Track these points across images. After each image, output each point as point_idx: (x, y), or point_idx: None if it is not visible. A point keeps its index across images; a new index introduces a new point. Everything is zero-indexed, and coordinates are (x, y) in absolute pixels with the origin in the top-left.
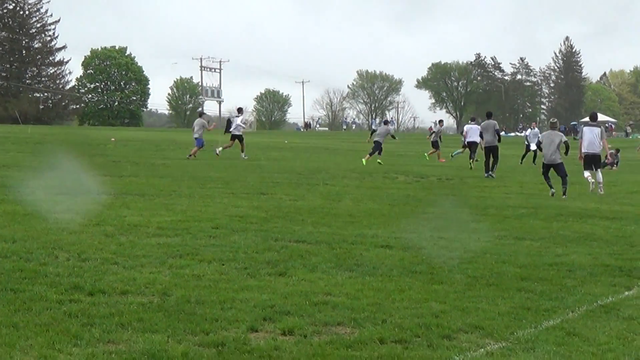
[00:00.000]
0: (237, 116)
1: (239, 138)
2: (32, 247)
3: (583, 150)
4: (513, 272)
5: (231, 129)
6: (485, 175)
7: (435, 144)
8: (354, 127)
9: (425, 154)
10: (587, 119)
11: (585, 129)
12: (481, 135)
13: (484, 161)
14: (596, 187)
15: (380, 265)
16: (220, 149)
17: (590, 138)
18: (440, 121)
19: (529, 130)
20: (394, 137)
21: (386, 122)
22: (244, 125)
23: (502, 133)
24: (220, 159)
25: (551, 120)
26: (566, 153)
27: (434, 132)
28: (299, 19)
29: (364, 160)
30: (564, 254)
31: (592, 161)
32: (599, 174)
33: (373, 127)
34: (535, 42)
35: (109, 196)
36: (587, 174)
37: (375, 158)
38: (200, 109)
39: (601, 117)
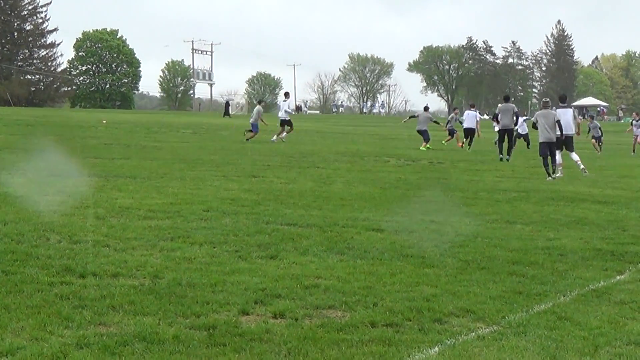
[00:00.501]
0: (285, 101)
1: (288, 123)
2: (24, 229)
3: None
4: (504, 256)
5: (279, 115)
6: (500, 158)
7: (451, 132)
8: (341, 110)
9: (443, 141)
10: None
11: (559, 111)
12: (496, 119)
13: (498, 144)
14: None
15: (372, 249)
16: (276, 137)
17: (566, 120)
18: (455, 109)
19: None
20: (437, 122)
21: (426, 109)
22: (291, 111)
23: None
24: (211, 141)
25: (544, 99)
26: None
27: (448, 120)
28: (291, 1)
29: (422, 147)
30: (556, 238)
31: (566, 142)
32: (574, 155)
33: (412, 113)
34: (527, 26)
35: (100, 178)
36: (558, 157)
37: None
38: (260, 98)
39: (593, 100)
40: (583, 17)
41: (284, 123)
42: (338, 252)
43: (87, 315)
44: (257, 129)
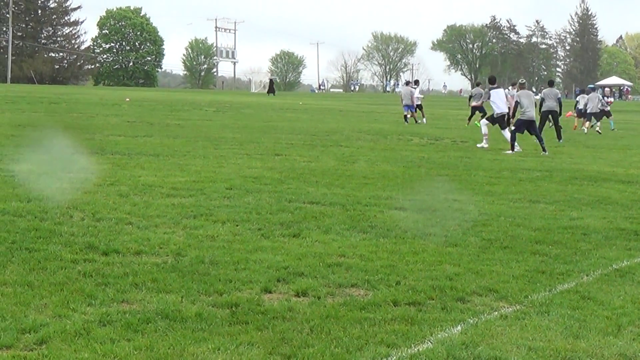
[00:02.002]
0: (415, 88)
1: (419, 107)
2: (47, 206)
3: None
4: (527, 235)
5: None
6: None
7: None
8: (356, 88)
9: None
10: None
11: (492, 92)
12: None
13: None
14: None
15: (394, 227)
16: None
17: (500, 99)
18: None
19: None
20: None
21: (478, 84)
22: (421, 96)
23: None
24: (234, 119)
25: (520, 81)
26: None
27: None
28: None
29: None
30: (579, 217)
31: (499, 120)
32: (506, 132)
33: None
34: (551, 5)
35: (123, 156)
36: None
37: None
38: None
39: (617, 80)
40: None
41: (418, 107)
42: (361, 231)
43: (110, 292)
44: (413, 108)
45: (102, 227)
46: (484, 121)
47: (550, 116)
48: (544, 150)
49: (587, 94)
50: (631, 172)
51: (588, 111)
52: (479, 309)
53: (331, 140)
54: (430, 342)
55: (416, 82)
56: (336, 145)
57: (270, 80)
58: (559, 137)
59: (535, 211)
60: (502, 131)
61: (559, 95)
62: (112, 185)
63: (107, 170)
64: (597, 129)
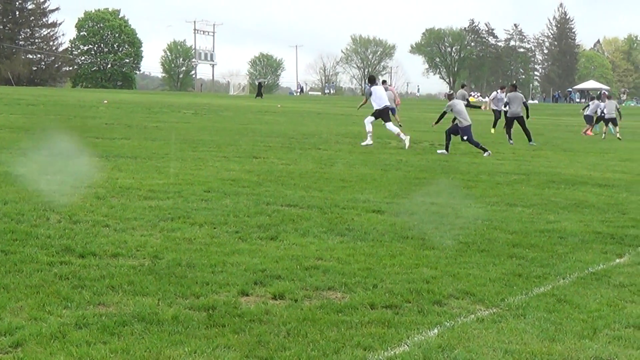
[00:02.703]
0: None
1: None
2: (24, 208)
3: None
4: (504, 238)
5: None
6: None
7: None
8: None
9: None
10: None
11: (373, 89)
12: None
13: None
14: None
15: (372, 230)
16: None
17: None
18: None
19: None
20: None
21: (463, 86)
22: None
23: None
24: (212, 122)
25: (512, 83)
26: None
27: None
28: None
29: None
30: (556, 220)
31: (383, 115)
32: (389, 126)
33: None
34: (529, 9)
35: (100, 158)
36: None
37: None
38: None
39: (595, 84)
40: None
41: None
42: (338, 234)
43: (87, 295)
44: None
45: (79, 229)
46: (368, 119)
47: (516, 121)
48: (484, 151)
49: (602, 101)
50: (608, 176)
51: (606, 117)
52: (455, 312)
53: (309, 143)
54: (407, 345)
55: (383, 83)
56: (314, 148)
57: (259, 83)
58: (530, 139)
59: (512, 214)
60: (385, 124)
61: (524, 99)
62: (89, 188)
63: (85, 172)
64: (617, 135)
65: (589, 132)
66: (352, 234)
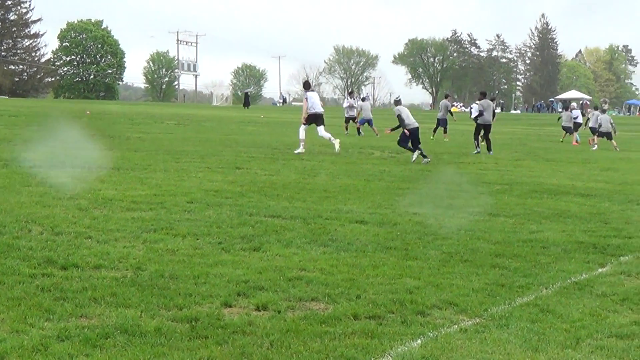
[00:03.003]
0: (353, 99)
1: (352, 119)
2: (5, 220)
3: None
4: (487, 248)
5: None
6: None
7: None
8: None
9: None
10: (481, 100)
11: (308, 94)
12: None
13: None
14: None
15: (355, 241)
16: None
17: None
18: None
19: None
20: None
21: (447, 96)
22: (355, 106)
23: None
24: (195, 132)
25: (396, 98)
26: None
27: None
28: None
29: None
30: (538, 230)
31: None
32: (321, 131)
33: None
34: (511, 19)
35: (83, 170)
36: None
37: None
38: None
39: (577, 94)
40: (567, 10)
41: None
42: (321, 244)
43: (69, 307)
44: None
45: (61, 241)
46: (302, 127)
47: (483, 129)
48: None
49: (602, 113)
50: (590, 186)
51: (602, 130)
52: (438, 323)
53: (292, 154)
54: (390, 356)
55: (350, 94)
56: (297, 158)
57: (246, 93)
58: (489, 149)
59: (495, 224)
60: (317, 128)
61: (494, 108)
62: (71, 199)
63: (67, 183)
64: (615, 147)
65: (575, 141)
66: (336, 245)
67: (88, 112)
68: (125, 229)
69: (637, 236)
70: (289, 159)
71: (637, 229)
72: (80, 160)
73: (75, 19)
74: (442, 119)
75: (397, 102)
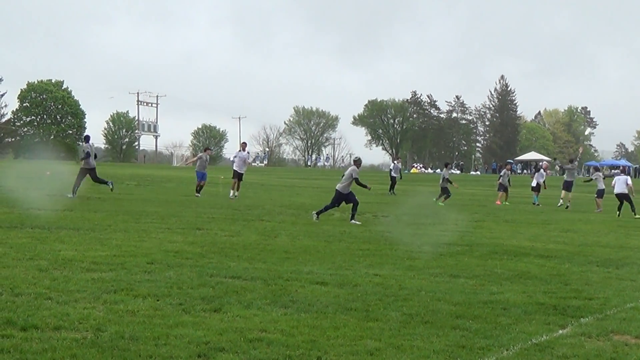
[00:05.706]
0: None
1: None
2: None
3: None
4: (448, 309)
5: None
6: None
7: (502, 187)
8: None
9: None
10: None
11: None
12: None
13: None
14: None
15: (316, 302)
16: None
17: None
18: (508, 163)
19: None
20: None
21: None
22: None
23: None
24: (156, 193)
25: (354, 158)
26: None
27: (501, 175)
28: (237, 53)
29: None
30: (499, 292)
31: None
32: None
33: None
34: (471, 81)
35: (43, 230)
36: None
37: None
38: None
39: (536, 155)
40: (526, 72)
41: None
42: (282, 306)
43: None
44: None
45: (21, 302)
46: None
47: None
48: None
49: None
50: (550, 247)
51: (616, 192)
52: None
53: (253, 215)
54: None
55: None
56: (258, 219)
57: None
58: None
59: (455, 285)
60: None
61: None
62: (31, 260)
63: (27, 244)
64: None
65: (498, 201)
66: (296, 306)
67: (48, 173)
68: (86, 289)
69: (597, 298)
70: (249, 220)
71: (597, 291)
72: (40, 221)
73: (35, 80)
74: (443, 187)
75: (356, 162)
